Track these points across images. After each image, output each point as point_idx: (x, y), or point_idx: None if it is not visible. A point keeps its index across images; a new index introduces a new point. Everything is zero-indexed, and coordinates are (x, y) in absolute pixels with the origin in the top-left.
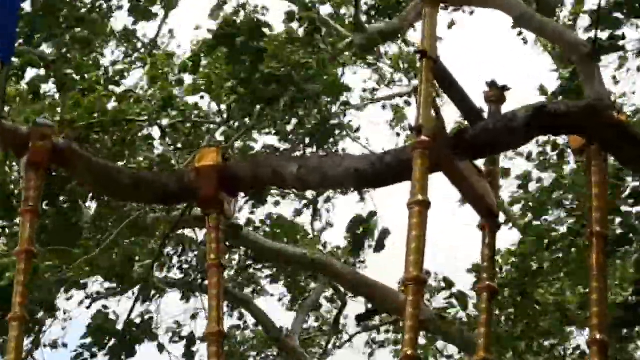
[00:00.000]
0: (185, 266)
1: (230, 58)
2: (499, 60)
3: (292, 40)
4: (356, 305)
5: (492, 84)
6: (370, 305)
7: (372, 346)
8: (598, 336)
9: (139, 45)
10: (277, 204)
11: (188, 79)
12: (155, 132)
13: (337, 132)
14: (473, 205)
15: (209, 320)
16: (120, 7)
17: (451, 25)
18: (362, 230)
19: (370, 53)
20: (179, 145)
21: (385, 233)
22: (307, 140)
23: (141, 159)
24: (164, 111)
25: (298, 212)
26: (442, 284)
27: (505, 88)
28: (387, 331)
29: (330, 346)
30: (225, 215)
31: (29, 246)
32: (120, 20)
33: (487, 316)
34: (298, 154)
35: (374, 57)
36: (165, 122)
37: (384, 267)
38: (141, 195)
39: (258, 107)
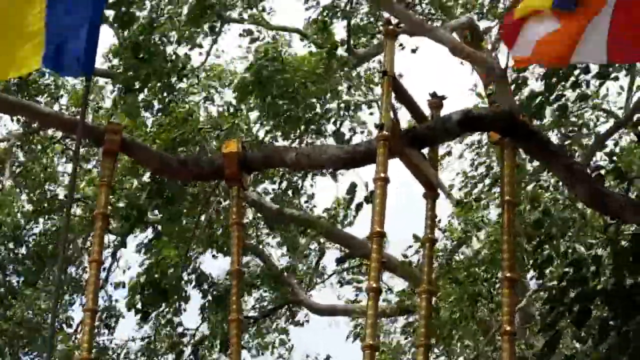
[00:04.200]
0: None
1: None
2: (444, 76)
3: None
4: (335, 252)
5: (433, 94)
6: (347, 251)
7: (342, 283)
8: (508, 274)
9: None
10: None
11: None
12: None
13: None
14: (419, 181)
15: (232, 262)
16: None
17: (415, 50)
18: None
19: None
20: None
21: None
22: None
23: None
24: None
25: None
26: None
27: (443, 97)
28: (354, 273)
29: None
30: (244, 187)
31: (104, 209)
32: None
33: (428, 260)
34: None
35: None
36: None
37: (359, 227)
38: (186, 174)
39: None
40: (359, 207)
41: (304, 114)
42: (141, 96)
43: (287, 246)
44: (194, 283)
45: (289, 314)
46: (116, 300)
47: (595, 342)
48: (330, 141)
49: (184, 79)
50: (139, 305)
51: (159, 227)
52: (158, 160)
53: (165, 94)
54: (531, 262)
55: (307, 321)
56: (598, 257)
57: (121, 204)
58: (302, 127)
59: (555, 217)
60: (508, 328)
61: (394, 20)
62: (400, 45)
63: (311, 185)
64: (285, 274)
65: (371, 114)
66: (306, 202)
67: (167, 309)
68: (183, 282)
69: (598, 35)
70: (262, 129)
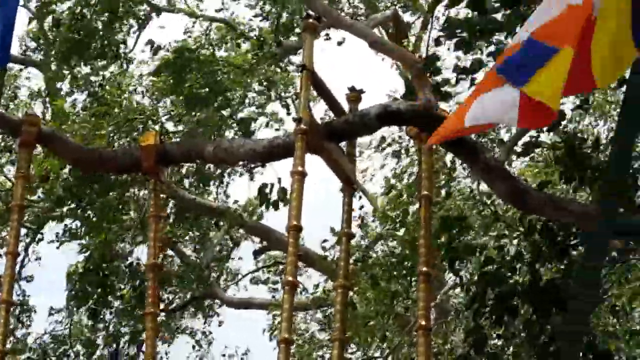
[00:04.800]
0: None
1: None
2: (364, 71)
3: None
4: (251, 245)
5: (352, 88)
6: (265, 243)
7: (257, 282)
8: (424, 269)
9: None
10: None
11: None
12: None
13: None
14: (337, 175)
15: (148, 255)
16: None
17: (341, 42)
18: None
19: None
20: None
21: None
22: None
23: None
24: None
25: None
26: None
27: (361, 91)
28: (269, 272)
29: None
30: (161, 180)
31: (20, 201)
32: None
33: (345, 254)
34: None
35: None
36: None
37: (277, 220)
38: (104, 167)
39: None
40: (270, 204)
41: (219, 106)
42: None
43: (198, 238)
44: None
45: (205, 308)
46: (29, 295)
47: (520, 340)
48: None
49: (116, 62)
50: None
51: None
52: (76, 153)
53: (97, 75)
54: (442, 253)
55: (218, 314)
56: (520, 253)
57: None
58: (218, 119)
59: (469, 214)
60: (423, 323)
61: (314, 15)
62: (327, 35)
63: (229, 175)
64: (201, 267)
65: (285, 108)
66: (221, 194)
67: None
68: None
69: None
70: (178, 121)
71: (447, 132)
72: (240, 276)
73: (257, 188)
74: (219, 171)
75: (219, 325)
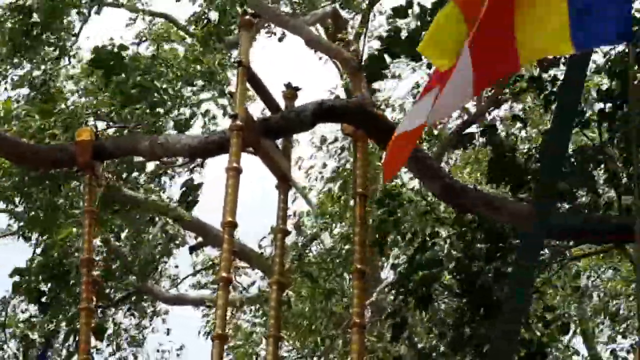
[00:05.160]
0: None
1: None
2: (305, 68)
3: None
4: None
5: (288, 85)
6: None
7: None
8: (358, 266)
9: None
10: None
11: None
12: None
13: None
14: (272, 172)
15: (82, 250)
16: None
17: (282, 38)
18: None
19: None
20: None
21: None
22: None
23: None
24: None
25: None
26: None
27: (297, 88)
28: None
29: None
30: (96, 175)
31: None
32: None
33: (280, 250)
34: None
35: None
36: None
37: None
38: (40, 162)
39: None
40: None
41: (154, 104)
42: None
43: (136, 234)
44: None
45: (139, 303)
46: None
47: (449, 337)
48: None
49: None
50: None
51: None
52: (12, 148)
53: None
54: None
55: (153, 311)
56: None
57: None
58: (149, 114)
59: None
60: (358, 320)
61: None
62: (268, 32)
63: (166, 173)
64: (135, 262)
65: (217, 104)
66: (160, 190)
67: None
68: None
69: (461, 78)
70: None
71: (400, 162)
72: (178, 277)
73: (180, 186)
74: (154, 167)
75: (163, 322)
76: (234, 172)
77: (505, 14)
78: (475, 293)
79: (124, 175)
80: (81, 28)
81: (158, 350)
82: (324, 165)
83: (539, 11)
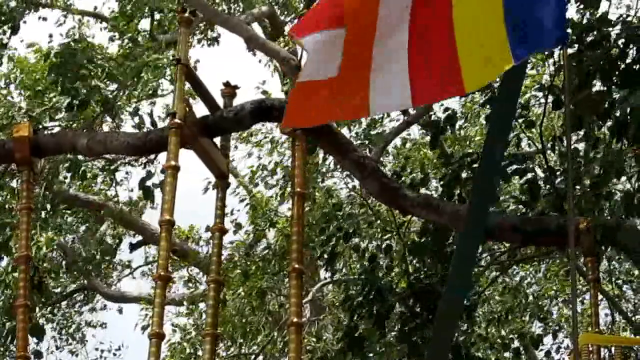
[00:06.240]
0: None
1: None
2: (245, 67)
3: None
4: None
5: (227, 84)
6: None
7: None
8: (296, 265)
9: None
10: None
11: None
12: None
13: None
14: (210, 170)
15: (19, 247)
16: None
17: (216, 38)
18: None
19: None
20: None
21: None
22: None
23: None
24: None
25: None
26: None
27: (236, 87)
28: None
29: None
30: (34, 172)
31: None
32: None
33: (218, 250)
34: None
35: None
36: None
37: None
38: None
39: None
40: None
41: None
42: None
43: (82, 232)
44: None
45: (84, 300)
46: None
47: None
48: (128, 128)
49: None
50: None
51: None
52: None
53: None
54: (319, 253)
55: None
56: (389, 247)
57: None
58: (91, 111)
59: (346, 211)
60: (295, 319)
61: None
62: (203, 33)
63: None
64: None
65: (152, 103)
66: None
67: None
68: None
69: (397, 80)
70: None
71: (303, 116)
72: (123, 270)
73: (139, 182)
74: (100, 164)
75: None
76: (173, 170)
77: (443, 32)
78: (424, 298)
79: (70, 174)
80: (12, 31)
81: (97, 349)
82: (264, 167)
83: (480, 38)
